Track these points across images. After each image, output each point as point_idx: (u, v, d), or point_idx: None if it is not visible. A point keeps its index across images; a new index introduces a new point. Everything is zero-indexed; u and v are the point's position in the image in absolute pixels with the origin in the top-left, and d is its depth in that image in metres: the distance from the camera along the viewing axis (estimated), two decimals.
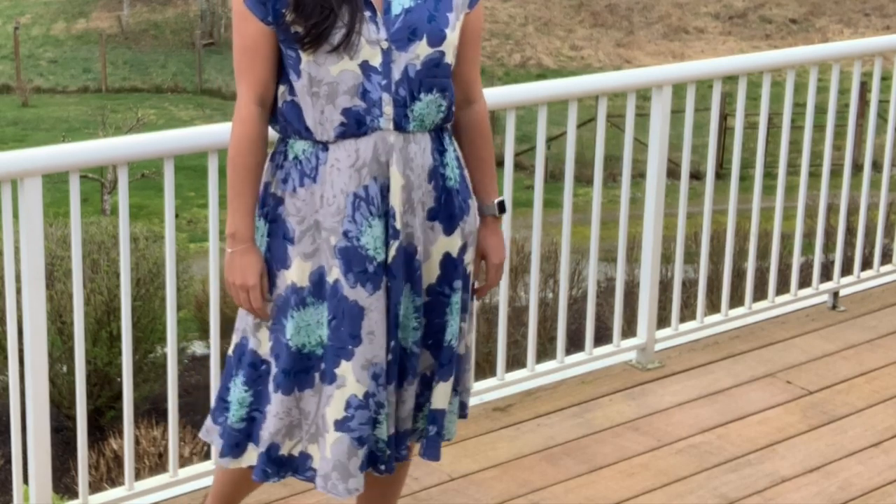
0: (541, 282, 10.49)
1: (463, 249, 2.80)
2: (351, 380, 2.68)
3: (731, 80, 4.54)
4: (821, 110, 4.59)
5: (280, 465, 2.80)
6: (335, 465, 2.72)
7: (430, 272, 2.76)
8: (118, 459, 9.51)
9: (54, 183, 6.19)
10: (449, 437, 2.89)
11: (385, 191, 2.67)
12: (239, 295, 2.73)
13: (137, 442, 9.41)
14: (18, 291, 3.18)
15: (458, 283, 2.78)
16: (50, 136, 25.00)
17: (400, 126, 2.66)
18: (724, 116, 19.48)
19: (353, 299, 2.66)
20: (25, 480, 3.31)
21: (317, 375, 2.73)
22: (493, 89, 3.84)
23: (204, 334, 12.58)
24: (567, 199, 4.10)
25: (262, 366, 2.77)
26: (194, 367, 12.19)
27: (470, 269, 2.84)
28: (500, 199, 2.90)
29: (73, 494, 3.50)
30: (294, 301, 2.70)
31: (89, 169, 8.36)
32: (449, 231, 2.76)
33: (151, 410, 10.50)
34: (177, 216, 15.83)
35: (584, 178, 6.63)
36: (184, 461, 3.83)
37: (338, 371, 2.69)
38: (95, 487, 6.11)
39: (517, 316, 10.30)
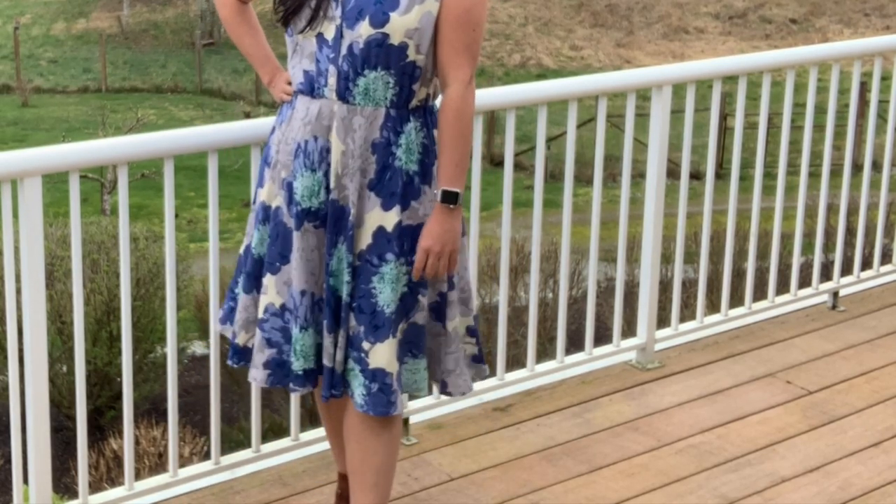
0: (541, 282, 10.50)
1: (409, 228, 2.96)
2: (272, 291, 3.05)
3: (731, 80, 4.54)
4: (821, 110, 4.59)
5: (239, 353, 3.17)
6: (253, 355, 3.12)
7: (362, 239, 2.99)
8: (118, 459, 9.51)
9: (54, 183, 6.19)
10: (410, 388, 3.10)
11: (325, 152, 2.96)
12: (282, 96, 3.07)
13: (137, 442, 9.41)
14: (18, 291, 3.19)
15: (389, 256, 2.97)
16: (50, 136, 24.99)
17: (343, 97, 2.94)
18: (724, 116, 19.48)
19: (287, 225, 3.03)
20: (25, 480, 3.31)
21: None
22: (493, 89, 3.84)
23: (204, 334, 12.57)
24: (567, 199, 4.10)
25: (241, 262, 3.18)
26: (194, 367, 12.20)
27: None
28: (450, 189, 2.93)
29: (73, 494, 3.50)
30: (261, 216, 3.08)
31: (89, 169, 8.36)
32: (387, 207, 2.97)
33: (151, 410, 10.50)
34: (177, 216, 15.83)
35: (584, 178, 6.63)
36: (184, 461, 3.84)
37: (264, 281, 3.06)
38: (95, 487, 6.11)
39: (517, 316, 10.30)
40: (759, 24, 37.78)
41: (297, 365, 3.04)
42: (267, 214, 3.07)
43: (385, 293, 2.98)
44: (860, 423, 4.03)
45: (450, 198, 2.93)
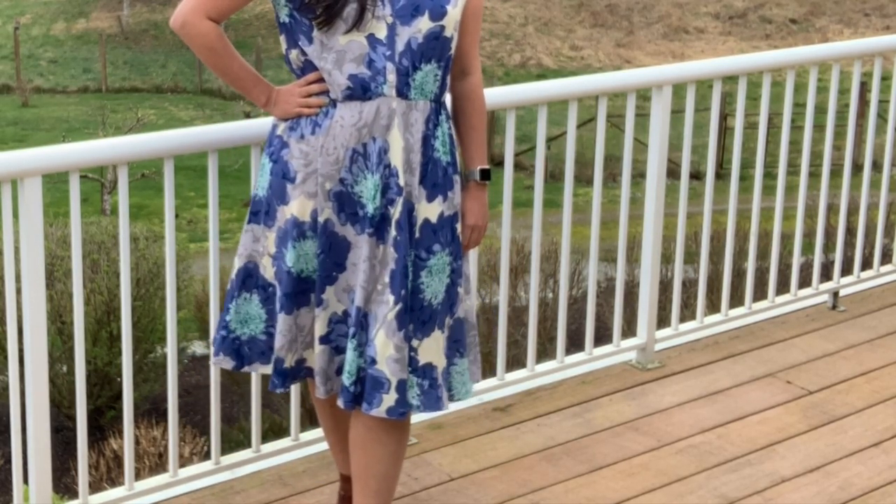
0: (541, 282, 10.49)
1: (448, 218, 3.02)
2: (333, 300, 3.03)
3: (731, 80, 4.54)
4: (821, 110, 4.59)
5: (285, 376, 3.08)
6: (318, 372, 3.07)
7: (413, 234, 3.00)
8: (118, 459, 9.51)
9: (54, 183, 6.20)
10: (463, 396, 3.13)
11: (383, 152, 2.94)
12: (302, 110, 2.97)
13: (137, 442, 9.41)
14: (18, 291, 3.18)
15: (436, 247, 3.00)
16: (50, 136, 24.99)
17: (402, 93, 2.93)
18: (724, 116, 19.48)
19: (342, 235, 2.99)
20: (25, 480, 3.31)
21: (312, 296, 3.05)
22: (493, 89, 3.84)
23: (204, 334, 12.57)
24: (567, 199, 4.10)
25: (269, 288, 3.08)
26: (194, 367, 12.20)
27: (459, 237, 3.06)
28: (485, 167, 3.11)
29: (73, 494, 3.50)
30: (295, 233, 2.98)
31: (89, 169, 8.36)
32: (431, 198, 3.00)
33: (151, 410, 10.51)
34: (177, 216, 15.83)
35: (584, 178, 6.64)
36: (184, 461, 3.84)
37: (324, 296, 3.02)
38: (95, 487, 6.11)
39: (517, 316, 10.30)
40: (759, 24, 37.79)
41: (346, 379, 3.00)
42: (302, 230, 2.97)
43: (433, 286, 3.01)
44: (860, 423, 4.03)
45: (486, 175, 3.11)
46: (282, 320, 3.03)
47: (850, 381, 4.33)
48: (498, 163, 3.20)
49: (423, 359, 3.01)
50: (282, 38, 2.99)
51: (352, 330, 2.98)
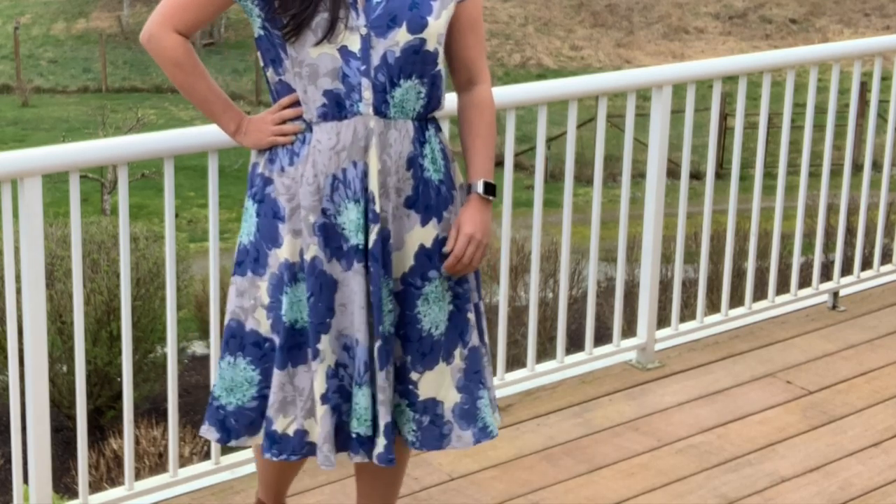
0: (541, 282, 10.51)
1: (444, 241, 2.80)
2: (329, 352, 2.76)
3: (731, 80, 4.54)
4: (821, 110, 4.59)
5: (275, 441, 2.82)
6: (325, 438, 2.79)
7: (404, 262, 2.79)
8: (118, 459, 9.51)
9: (54, 183, 6.20)
10: (491, 433, 2.89)
11: (363, 175, 2.72)
12: (276, 139, 2.79)
13: (137, 442, 9.41)
14: (18, 291, 3.18)
15: (432, 273, 2.79)
16: (50, 136, 24.98)
17: (380, 111, 2.72)
18: (724, 116, 19.47)
19: (329, 273, 2.74)
20: (25, 480, 3.31)
21: (309, 351, 2.78)
22: (493, 89, 3.83)
23: (204, 334, 12.57)
24: (567, 199, 4.10)
25: (265, 344, 2.82)
26: (194, 367, 12.19)
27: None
28: (487, 181, 2.85)
29: (73, 494, 3.50)
30: (287, 277, 2.76)
31: (89, 169, 8.36)
32: (424, 221, 2.79)
33: (151, 410, 10.50)
34: (177, 216, 15.82)
35: (584, 178, 6.64)
36: (184, 461, 3.83)
37: (320, 346, 2.75)
38: (95, 487, 6.11)
39: (517, 316, 10.31)
40: (759, 24, 37.78)
41: (355, 425, 2.78)
42: (293, 273, 2.75)
43: (431, 314, 2.80)
44: (860, 423, 4.03)
45: (490, 190, 2.86)
46: (274, 377, 2.78)
47: (850, 381, 4.33)
48: (498, 163, 3.11)
49: (423, 393, 2.82)
50: (258, 56, 2.82)
51: (360, 375, 2.75)
